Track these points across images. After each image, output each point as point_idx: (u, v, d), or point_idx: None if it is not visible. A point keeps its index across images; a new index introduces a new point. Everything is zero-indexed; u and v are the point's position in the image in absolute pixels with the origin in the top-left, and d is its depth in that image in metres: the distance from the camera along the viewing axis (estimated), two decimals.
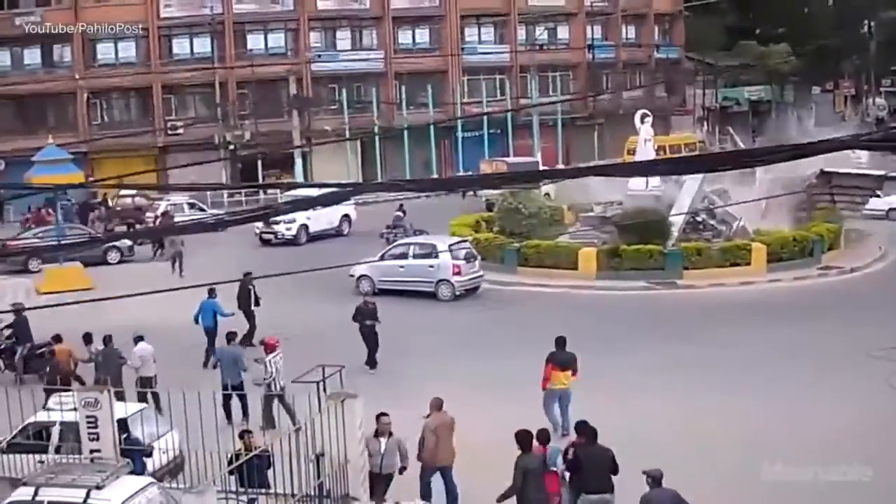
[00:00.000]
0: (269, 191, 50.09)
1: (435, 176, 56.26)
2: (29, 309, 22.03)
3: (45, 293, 28.60)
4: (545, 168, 50.71)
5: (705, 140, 58.50)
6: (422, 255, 29.17)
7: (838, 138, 7.13)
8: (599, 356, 20.77)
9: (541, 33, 64.64)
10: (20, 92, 50.67)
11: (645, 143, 34.34)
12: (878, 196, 39.10)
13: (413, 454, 14.05)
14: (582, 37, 65.26)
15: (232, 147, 54.80)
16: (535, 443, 13.08)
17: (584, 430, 13.14)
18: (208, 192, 47.56)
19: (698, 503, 11.92)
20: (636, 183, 31.16)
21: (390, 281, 28.74)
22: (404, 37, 60.95)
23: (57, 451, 14.18)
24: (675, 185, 31.81)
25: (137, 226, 42.61)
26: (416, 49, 61.13)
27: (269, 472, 13.08)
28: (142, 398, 17.36)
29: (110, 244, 35.34)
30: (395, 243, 31.51)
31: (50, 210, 38.04)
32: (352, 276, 29.16)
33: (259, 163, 55.26)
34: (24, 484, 12.04)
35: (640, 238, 30.01)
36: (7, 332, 21.91)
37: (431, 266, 28.70)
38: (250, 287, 23.95)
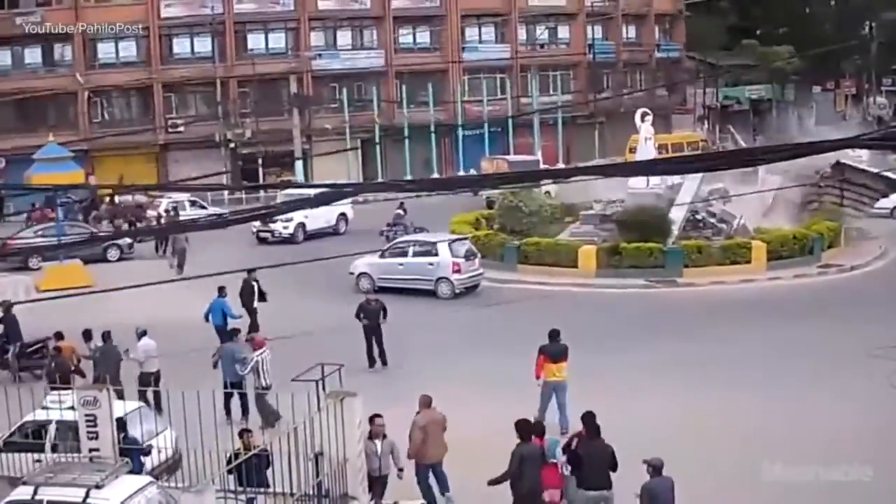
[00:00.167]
0: (271, 190, 50.10)
1: (435, 174, 56.32)
2: (23, 302, 21.99)
3: (46, 290, 28.58)
4: (546, 167, 50.73)
5: (707, 139, 58.48)
6: (421, 252, 29.17)
7: (839, 139, 7.12)
8: (599, 354, 20.81)
9: (541, 33, 64.63)
10: (21, 90, 50.61)
11: (645, 142, 34.33)
12: (886, 196, 38.87)
13: (404, 453, 14.06)
14: (582, 36, 65.24)
15: (232, 145, 54.87)
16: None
17: (590, 422, 13.13)
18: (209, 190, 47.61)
19: (698, 501, 11.92)
20: (637, 181, 31.15)
21: (390, 279, 28.72)
22: (405, 36, 60.93)
23: (53, 449, 14.14)
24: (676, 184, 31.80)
25: (138, 223, 42.61)
26: (417, 48, 61.14)
27: (268, 472, 13.06)
28: (143, 395, 17.30)
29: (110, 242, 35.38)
30: (394, 241, 31.51)
31: (52, 208, 38.03)
32: (351, 273, 29.17)
33: (260, 161, 55.30)
34: (24, 483, 12.02)
35: (640, 236, 30.01)
36: None
37: (431, 264, 28.68)
38: (253, 284, 23.98)
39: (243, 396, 18.03)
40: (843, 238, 33.03)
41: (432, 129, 56.25)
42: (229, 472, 12.34)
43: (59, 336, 19.67)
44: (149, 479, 12.61)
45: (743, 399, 18.50)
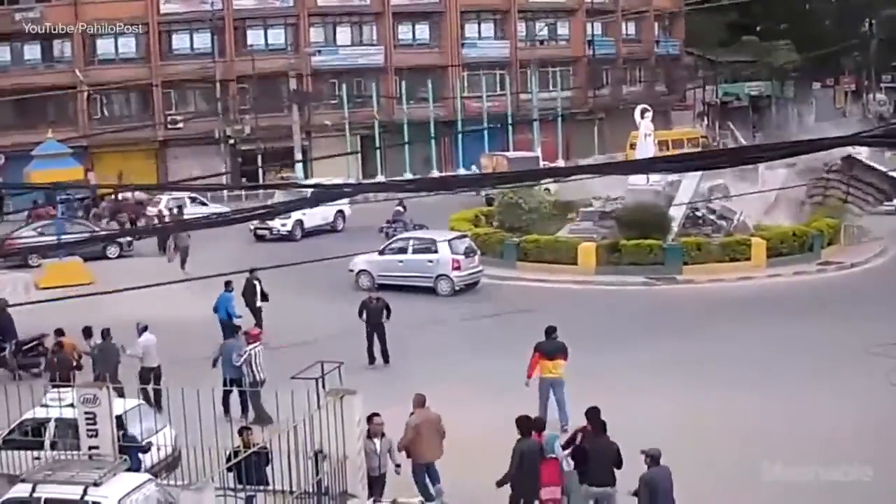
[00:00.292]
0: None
1: (435, 171, 56.28)
2: (23, 304, 21.96)
3: (45, 288, 28.56)
4: (545, 164, 50.67)
5: (707, 135, 58.46)
6: (421, 249, 29.16)
7: (839, 136, 7.11)
8: (598, 351, 20.80)
9: (541, 29, 64.59)
10: (20, 87, 50.55)
11: (645, 138, 34.31)
12: (890, 200, 38.66)
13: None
14: (582, 32, 65.21)
15: (232, 141, 54.84)
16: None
17: (594, 418, 13.12)
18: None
19: (697, 500, 11.92)
20: (636, 177, 31.15)
21: (389, 276, 28.70)
22: (404, 32, 60.89)
23: (53, 447, 14.12)
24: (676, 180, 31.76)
25: (138, 221, 42.60)
26: (417, 45, 61.11)
27: (268, 469, 13.06)
28: (144, 392, 17.27)
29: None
30: (394, 238, 31.49)
31: (52, 205, 38.00)
32: (351, 271, 29.15)
33: (259, 157, 55.26)
34: (22, 480, 12.01)
35: (639, 233, 30.00)
36: None
37: (431, 261, 28.67)
38: (255, 283, 23.97)
39: (242, 394, 18.01)
40: (843, 235, 32.99)
41: (432, 125, 56.16)
42: (229, 469, 12.35)
43: (60, 332, 19.68)
44: (147, 476, 12.61)
45: (742, 397, 18.50)
